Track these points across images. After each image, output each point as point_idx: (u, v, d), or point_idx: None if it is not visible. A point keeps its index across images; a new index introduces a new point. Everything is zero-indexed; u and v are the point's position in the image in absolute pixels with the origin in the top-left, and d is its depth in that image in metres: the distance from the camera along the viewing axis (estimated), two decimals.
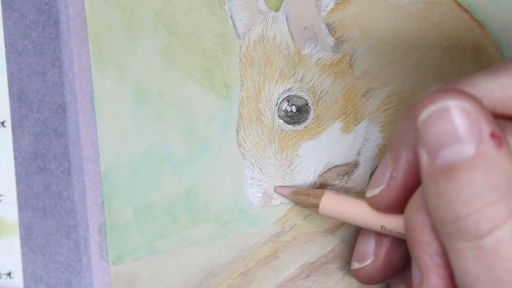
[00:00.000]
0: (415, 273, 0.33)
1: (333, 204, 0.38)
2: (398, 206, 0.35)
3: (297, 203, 0.41)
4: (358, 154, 0.42)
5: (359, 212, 0.37)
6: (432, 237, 0.32)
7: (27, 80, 0.41)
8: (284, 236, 0.42)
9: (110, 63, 0.41)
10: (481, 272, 0.29)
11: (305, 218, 0.42)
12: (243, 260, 0.41)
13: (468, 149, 0.30)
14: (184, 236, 0.41)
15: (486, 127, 0.30)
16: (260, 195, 0.41)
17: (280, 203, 0.42)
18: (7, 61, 0.41)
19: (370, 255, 0.38)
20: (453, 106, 0.30)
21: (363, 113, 0.42)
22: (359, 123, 0.42)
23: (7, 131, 0.40)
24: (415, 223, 0.33)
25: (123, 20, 0.41)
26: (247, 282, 0.41)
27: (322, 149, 0.42)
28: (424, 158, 0.31)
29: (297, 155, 0.42)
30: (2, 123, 0.40)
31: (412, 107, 0.34)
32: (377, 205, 0.36)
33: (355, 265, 0.39)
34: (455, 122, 0.30)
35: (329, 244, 0.42)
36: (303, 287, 0.41)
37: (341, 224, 0.42)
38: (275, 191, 0.41)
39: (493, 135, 0.30)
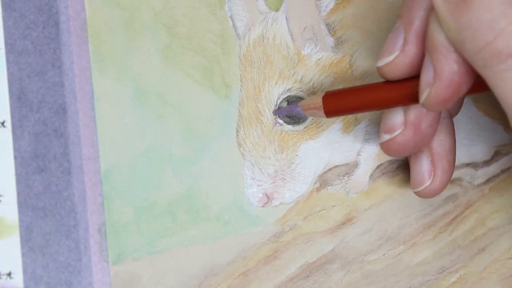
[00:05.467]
0: (428, 72, 0.33)
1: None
2: (413, 72, 0.35)
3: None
4: (358, 154, 0.42)
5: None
6: (451, 49, 0.32)
7: (27, 80, 0.41)
8: (284, 236, 0.42)
9: (110, 63, 0.41)
10: None
11: (305, 218, 0.42)
12: (243, 260, 0.41)
13: None
14: (184, 236, 0.41)
15: None
16: (260, 195, 0.41)
17: (280, 203, 0.42)
18: (7, 61, 0.41)
19: (399, 125, 0.37)
20: None
21: (363, 113, 0.42)
22: (359, 123, 0.42)
23: (7, 131, 0.40)
24: (435, 40, 0.33)
25: (123, 20, 0.42)
26: (247, 282, 0.41)
27: (322, 149, 0.42)
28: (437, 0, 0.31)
29: (297, 155, 0.42)
30: (2, 123, 0.40)
31: None
32: (392, 73, 0.36)
33: (385, 137, 0.38)
34: None
35: (329, 244, 0.42)
36: (303, 287, 0.41)
37: (341, 224, 0.42)
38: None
39: None
